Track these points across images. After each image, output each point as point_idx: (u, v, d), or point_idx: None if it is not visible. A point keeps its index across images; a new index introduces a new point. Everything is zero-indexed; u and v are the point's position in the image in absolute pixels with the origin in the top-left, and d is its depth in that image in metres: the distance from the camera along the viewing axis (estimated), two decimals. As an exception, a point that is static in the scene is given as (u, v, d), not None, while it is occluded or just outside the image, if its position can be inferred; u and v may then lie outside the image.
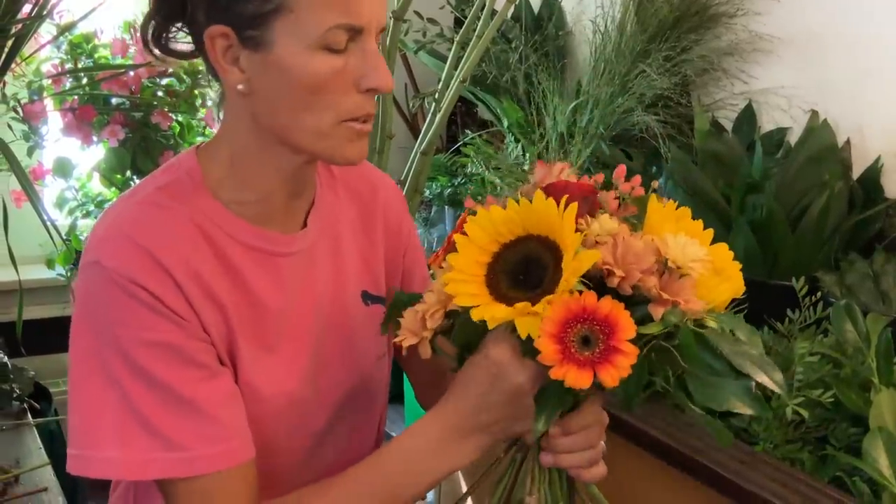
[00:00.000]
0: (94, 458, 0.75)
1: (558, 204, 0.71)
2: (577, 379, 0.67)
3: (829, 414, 1.31)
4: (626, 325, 0.67)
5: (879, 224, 1.61)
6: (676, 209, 0.77)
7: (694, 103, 1.87)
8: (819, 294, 1.45)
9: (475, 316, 0.70)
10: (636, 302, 0.71)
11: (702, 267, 0.70)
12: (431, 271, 0.82)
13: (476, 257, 0.73)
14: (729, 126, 1.87)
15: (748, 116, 1.84)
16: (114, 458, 0.75)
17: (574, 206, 0.70)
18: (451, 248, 0.78)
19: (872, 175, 1.63)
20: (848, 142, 1.68)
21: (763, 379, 0.70)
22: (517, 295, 0.70)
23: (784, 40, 1.79)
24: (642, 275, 0.69)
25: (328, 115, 0.77)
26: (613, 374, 0.67)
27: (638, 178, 0.81)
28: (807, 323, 1.43)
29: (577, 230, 0.71)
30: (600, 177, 0.80)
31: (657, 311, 0.69)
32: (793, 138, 1.76)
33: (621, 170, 0.81)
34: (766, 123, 1.82)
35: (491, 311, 0.69)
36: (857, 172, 1.66)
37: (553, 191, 0.75)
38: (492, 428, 0.78)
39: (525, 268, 0.72)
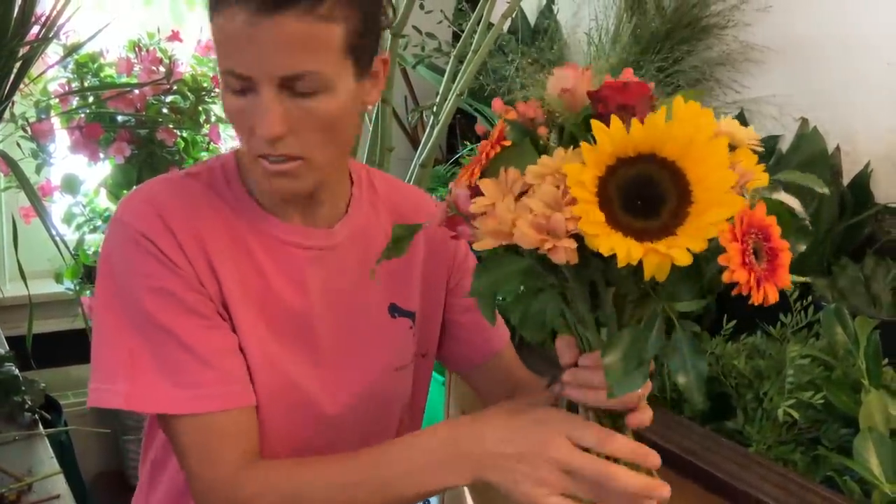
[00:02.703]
0: (107, 391, 0.82)
1: (612, 110, 0.66)
2: (772, 294, 0.65)
3: (821, 415, 1.34)
4: (774, 223, 0.66)
5: (870, 228, 1.64)
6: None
7: (687, 113, 1.91)
8: (811, 298, 1.48)
9: (603, 248, 0.63)
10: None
11: (757, 144, 0.70)
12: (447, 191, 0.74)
13: (595, 172, 0.65)
14: (722, 134, 1.90)
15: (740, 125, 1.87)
16: (122, 390, 0.82)
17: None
18: (484, 162, 0.72)
19: (862, 180, 1.66)
20: (838, 148, 1.71)
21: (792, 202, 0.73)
22: (632, 222, 0.64)
23: (774, 50, 1.83)
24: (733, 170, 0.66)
25: (246, 148, 0.84)
26: (787, 276, 0.66)
27: (629, 73, 0.74)
28: (799, 326, 1.46)
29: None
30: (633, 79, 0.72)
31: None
32: (784, 145, 1.79)
33: (628, 72, 0.74)
34: (758, 131, 1.84)
35: (625, 246, 0.63)
36: (847, 178, 1.69)
37: (612, 93, 0.68)
38: (497, 466, 0.76)
39: (640, 187, 0.65)
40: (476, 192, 0.72)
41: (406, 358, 1.00)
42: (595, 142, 0.65)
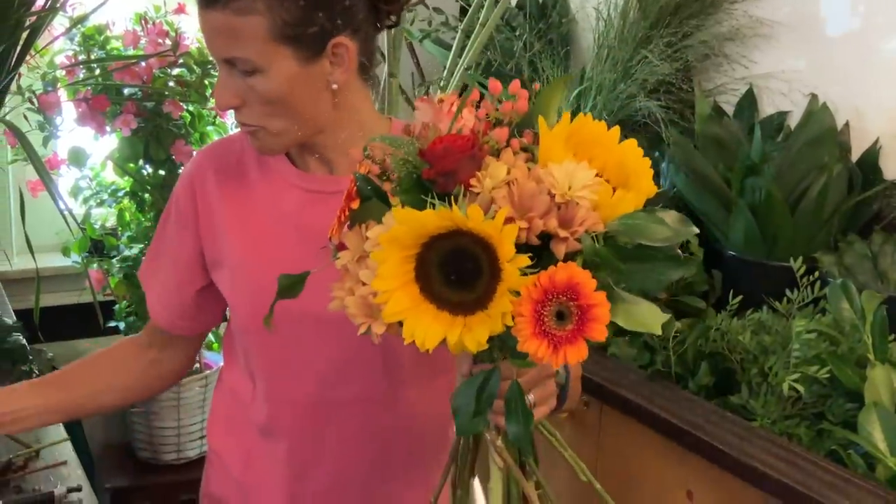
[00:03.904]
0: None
1: (441, 168, 0.68)
2: (577, 354, 0.66)
3: (826, 390, 1.34)
4: (584, 279, 0.65)
5: (878, 205, 1.63)
6: (571, 121, 0.71)
7: (695, 88, 1.90)
8: (817, 274, 1.47)
9: (406, 336, 0.67)
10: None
11: (591, 193, 0.68)
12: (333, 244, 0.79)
13: (403, 252, 0.68)
14: (730, 110, 1.89)
15: (749, 101, 1.86)
16: (142, 267, 1.15)
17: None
18: (348, 219, 0.75)
19: (871, 157, 1.65)
20: (847, 125, 1.70)
21: (680, 237, 0.71)
22: (450, 295, 0.68)
23: (784, 25, 1.81)
24: (542, 220, 0.67)
25: None
26: (601, 329, 0.66)
27: (517, 86, 0.74)
28: (805, 302, 1.46)
29: (470, 190, 0.68)
30: (475, 95, 0.74)
31: (559, 249, 0.67)
32: (793, 122, 1.78)
33: (495, 86, 0.75)
34: (767, 107, 1.84)
35: (424, 331, 0.67)
36: (855, 155, 1.68)
37: (434, 159, 0.70)
38: None
39: (456, 261, 0.68)
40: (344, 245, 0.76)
41: None
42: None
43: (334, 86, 0.96)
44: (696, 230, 0.73)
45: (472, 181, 0.69)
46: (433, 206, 0.68)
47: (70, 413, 1.12)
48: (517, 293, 0.66)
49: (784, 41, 1.82)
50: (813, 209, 1.59)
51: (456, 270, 0.68)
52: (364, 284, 0.71)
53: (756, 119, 1.83)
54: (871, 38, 1.66)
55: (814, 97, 1.74)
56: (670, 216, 0.72)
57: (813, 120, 1.68)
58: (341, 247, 0.76)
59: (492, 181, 0.68)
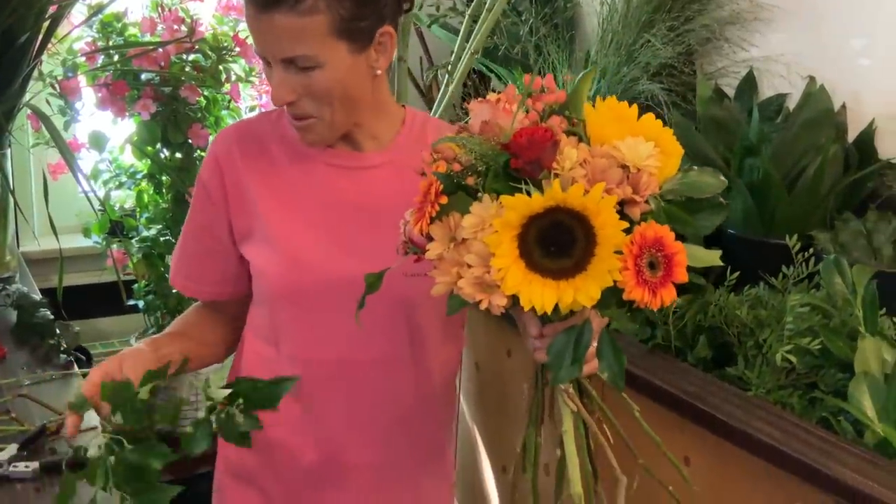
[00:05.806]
0: None
1: (528, 157, 0.79)
2: (670, 295, 0.78)
3: (818, 361, 1.38)
4: (665, 233, 0.78)
5: (872, 184, 1.67)
6: (604, 100, 0.84)
7: (697, 71, 1.94)
8: (812, 251, 1.52)
9: (525, 304, 0.77)
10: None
11: (655, 161, 0.80)
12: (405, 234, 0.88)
13: (511, 233, 0.78)
14: (731, 93, 1.93)
15: (749, 83, 1.90)
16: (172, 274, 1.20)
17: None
18: (428, 219, 0.84)
19: (866, 138, 1.69)
20: (844, 106, 1.74)
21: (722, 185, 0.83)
22: (549, 264, 0.78)
23: (783, 9, 1.85)
24: (619, 188, 0.78)
25: None
26: (683, 271, 0.79)
27: (551, 80, 0.87)
28: (800, 278, 1.50)
29: (553, 173, 0.79)
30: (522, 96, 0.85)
31: (635, 212, 0.79)
32: (792, 104, 1.82)
33: (535, 82, 0.87)
34: (767, 90, 1.89)
35: (540, 299, 0.77)
36: (852, 135, 1.72)
37: (520, 150, 0.80)
38: None
39: (554, 234, 0.78)
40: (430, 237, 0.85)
41: (417, 267, 1.04)
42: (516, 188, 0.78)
43: (378, 72, 1.03)
44: (726, 181, 0.84)
45: (553, 165, 0.79)
46: (527, 192, 0.78)
47: (196, 363, 1.18)
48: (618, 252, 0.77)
49: (784, 25, 1.86)
50: (809, 188, 1.63)
51: (554, 242, 0.78)
52: (471, 267, 0.80)
53: (756, 101, 1.87)
54: (867, 23, 1.70)
55: (812, 80, 1.78)
56: (707, 171, 0.85)
57: (811, 102, 1.72)
58: (414, 240, 0.86)
59: (570, 163, 0.79)
